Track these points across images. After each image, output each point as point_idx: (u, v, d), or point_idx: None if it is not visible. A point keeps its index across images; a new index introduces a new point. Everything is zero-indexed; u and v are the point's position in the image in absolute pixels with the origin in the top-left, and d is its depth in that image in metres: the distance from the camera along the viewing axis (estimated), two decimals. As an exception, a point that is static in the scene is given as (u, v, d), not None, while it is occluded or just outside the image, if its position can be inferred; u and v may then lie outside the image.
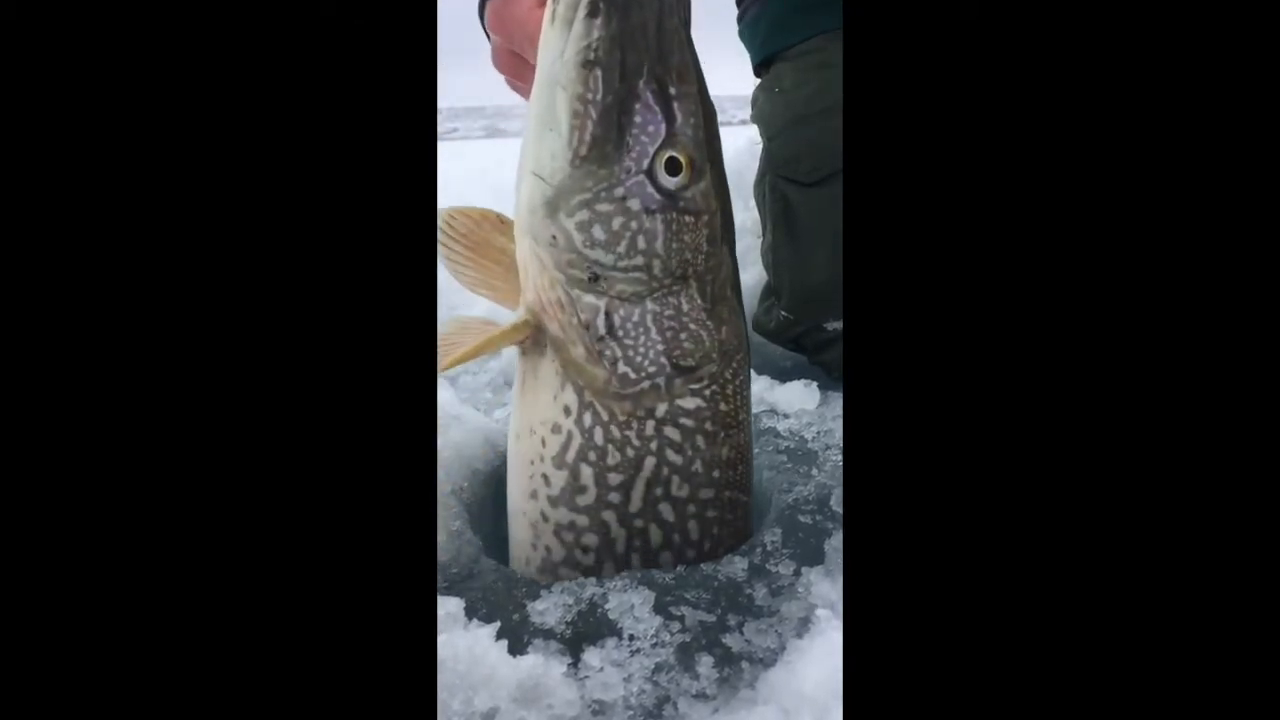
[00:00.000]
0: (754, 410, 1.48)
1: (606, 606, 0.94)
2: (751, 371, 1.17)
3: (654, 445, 1.02)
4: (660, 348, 1.00)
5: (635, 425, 1.01)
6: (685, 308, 1.00)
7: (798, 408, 1.49)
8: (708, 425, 1.04)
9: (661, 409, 1.02)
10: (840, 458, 1.31)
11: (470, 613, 0.90)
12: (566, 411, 1.02)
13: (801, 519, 1.15)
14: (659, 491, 1.03)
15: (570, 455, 1.02)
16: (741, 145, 2.10)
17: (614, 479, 1.02)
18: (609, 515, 1.03)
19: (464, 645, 0.81)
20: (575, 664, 0.86)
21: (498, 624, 0.87)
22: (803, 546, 1.08)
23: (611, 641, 0.89)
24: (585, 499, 1.02)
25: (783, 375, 1.62)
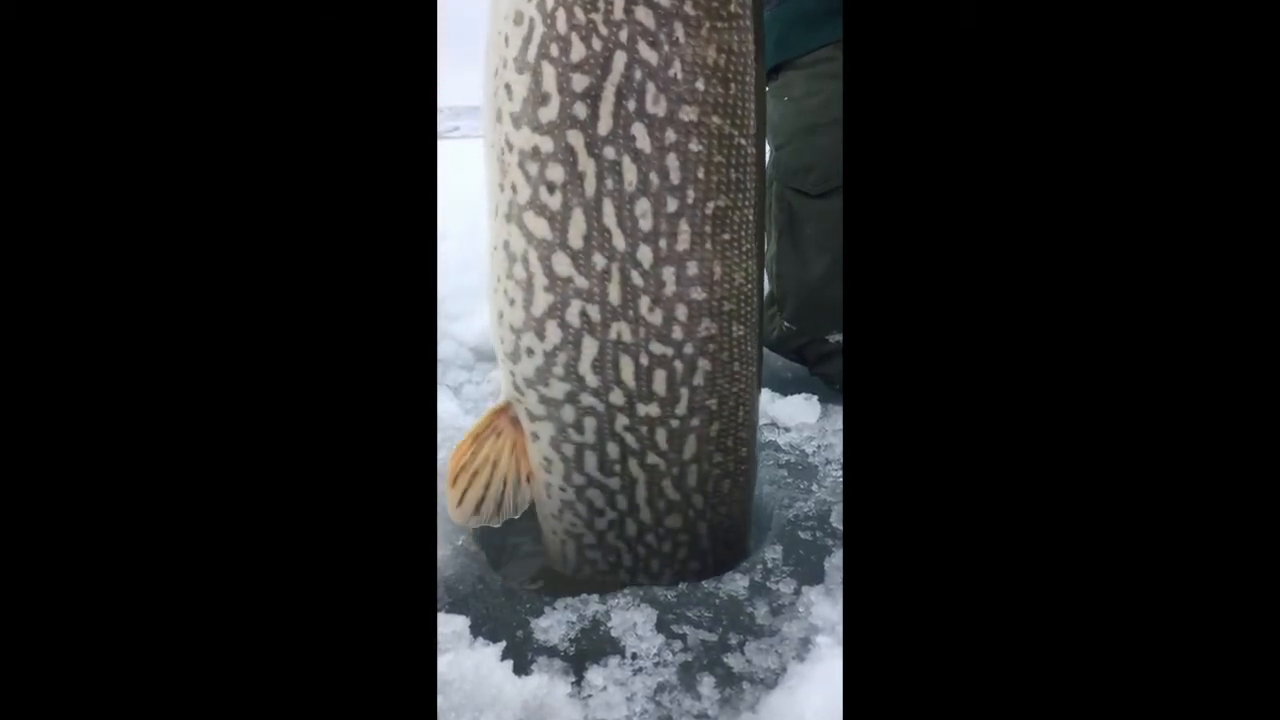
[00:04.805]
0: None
1: (609, 624, 0.96)
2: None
3: (624, 35, 0.88)
4: None
5: (602, 4, 0.88)
6: None
7: (798, 421, 1.51)
8: (688, 8, 0.89)
9: None
10: (840, 473, 1.33)
11: (475, 630, 0.92)
12: None
13: (802, 535, 1.16)
14: (631, 105, 0.89)
15: (532, 52, 0.90)
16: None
17: (579, 82, 0.89)
18: (575, 137, 0.90)
19: (470, 665, 0.82)
20: (579, 683, 0.87)
21: (503, 643, 0.88)
22: (803, 564, 1.09)
23: (614, 660, 0.90)
24: (548, 112, 0.90)
25: (783, 388, 1.64)
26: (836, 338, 1.67)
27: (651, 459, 1.03)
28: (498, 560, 1.14)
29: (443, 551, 1.08)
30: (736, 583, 1.04)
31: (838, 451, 1.40)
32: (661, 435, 1.02)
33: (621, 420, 1.01)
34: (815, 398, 1.56)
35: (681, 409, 1.01)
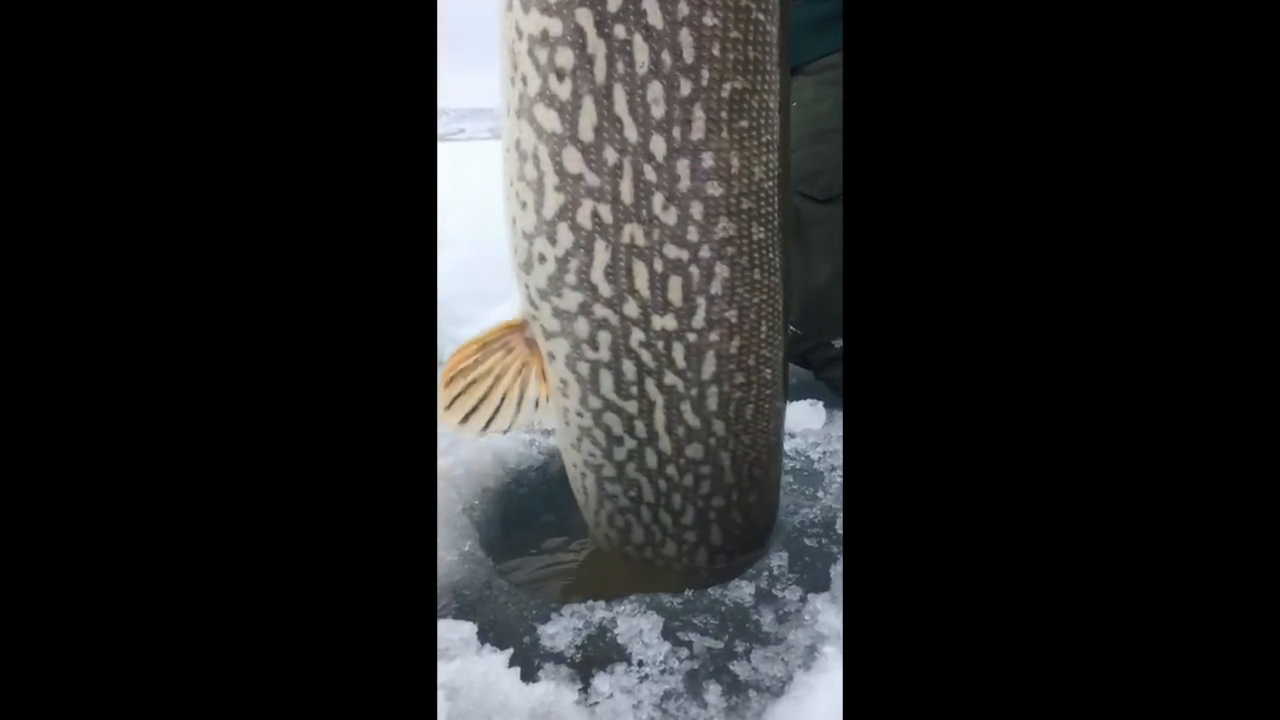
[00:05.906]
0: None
1: (616, 631, 0.96)
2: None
3: None
4: None
5: None
6: None
7: (803, 427, 1.51)
8: None
9: None
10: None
11: (483, 637, 0.92)
12: None
13: (808, 542, 1.16)
14: None
15: None
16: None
17: None
18: (584, 15, 0.86)
19: (478, 672, 0.82)
20: (585, 690, 0.87)
21: (510, 650, 0.88)
22: (809, 571, 1.09)
23: (621, 667, 0.90)
24: None
25: (788, 393, 1.63)
26: (841, 343, 1.68)
27: (669, 379, 0.99)
28: (504, 565, 1.14)
29: (450, 557, 1.08)
30: (742, 590, 1.05)
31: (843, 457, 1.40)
32: (679, 351, 0.97)
33: (637, 335, 0.96)
34: (820, 403, 1.56)
35: (699, 321, 0.96)
